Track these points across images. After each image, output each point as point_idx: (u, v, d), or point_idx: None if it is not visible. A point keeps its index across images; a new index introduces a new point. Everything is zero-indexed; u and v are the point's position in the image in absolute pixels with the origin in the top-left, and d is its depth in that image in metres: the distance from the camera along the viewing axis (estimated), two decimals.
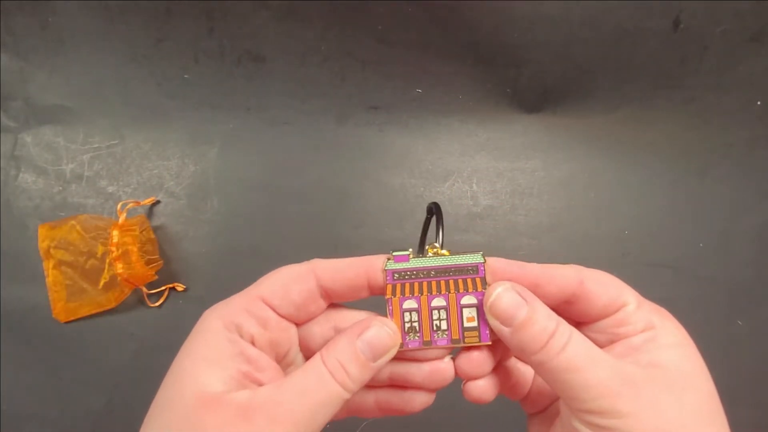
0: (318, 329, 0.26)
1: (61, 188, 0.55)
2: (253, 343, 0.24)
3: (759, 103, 0.54)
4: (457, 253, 0.26)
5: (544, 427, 0.27)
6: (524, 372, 0.28)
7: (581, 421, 0.23)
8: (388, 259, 0.25)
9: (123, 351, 0.51)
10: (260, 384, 0.24)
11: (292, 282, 0.25)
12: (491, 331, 0.25)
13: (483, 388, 0.26)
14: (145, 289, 0.52)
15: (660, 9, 0.50)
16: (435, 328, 0.25)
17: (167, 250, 0.54)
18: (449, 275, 0.25)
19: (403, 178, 0.55)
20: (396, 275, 0.25)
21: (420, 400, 0.26)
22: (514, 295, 0.24)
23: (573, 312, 0.26)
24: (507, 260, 0.26)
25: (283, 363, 0.26)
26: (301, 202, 0.55)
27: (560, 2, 0.50)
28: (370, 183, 0.55)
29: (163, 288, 0.52)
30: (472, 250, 0.26)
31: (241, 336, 0.24)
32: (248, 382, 0.23)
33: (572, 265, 0.26)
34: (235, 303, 0.25)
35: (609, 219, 0.54)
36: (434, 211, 0.28)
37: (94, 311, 0.51)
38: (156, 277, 0.51)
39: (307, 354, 0.27)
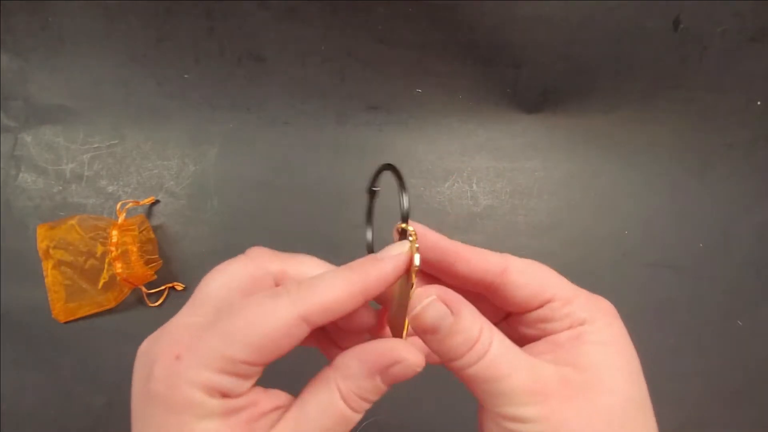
0: None
1: (61, 188, 0.55)
2: (240, 394, 0.21)
3: (759, 103, 0.54)
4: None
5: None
6: None
7: (494, 423, 0.22)
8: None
9: (123, 351, 0.51)
10: (264, 418, 0.22)
11: (281, 338, 0.21)
12: None
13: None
14: (144, 289, 0.51)
15: (660, 9, 0.50)
16: None
17: (167, 250, 0.54)
18: None
19: (403, 178, 0.55)
20: None
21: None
22: (440, 307, 0.22)
23: (497, 301, 0.25)
24: (435, 234, 0.24)
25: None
26: (301, 202, 0.55)
27: (560, 2, 0.50)
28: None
29: (162, 288, 0.52)
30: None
31: (229, 397, 0.21)
32: (255, 425, 0.21)
33: (503, 253, 0.25)
34: (206, 363, 0.20)
35: (609, 219, 0.54)
36: (393, 172, 0.25)
37: (93, 311, 0.51)
38: (155, 276, 0.51)
39: None
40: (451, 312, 0.22)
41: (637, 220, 0.54)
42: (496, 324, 0.25)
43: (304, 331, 0.21)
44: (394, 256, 0.23)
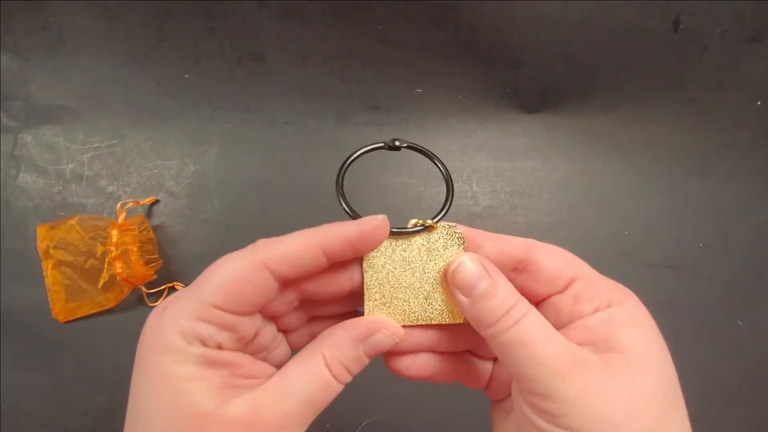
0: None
1: (61, 188, 0.55)
2: (220, 347, 0.22)
3: (759, 103, 0.54)
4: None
5: (505, 413, 0.27)
6: (481, 365, 0.28)
7: (528, 405, 0.22)
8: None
9: (123, 351, 0.51)
10: (246, 380, 0.23)
11: (243, 283, 0.22)
12: None
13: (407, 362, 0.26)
14: (144, 289, 0.52)
15: (660, 9, 0.50)
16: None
17: (167, 250, 0.54)
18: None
19: (403, 178, 0.55)
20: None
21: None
22: (478, 266, 0.23)
23: (524, 283, 0.25)
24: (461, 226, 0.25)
25: (258, 345, 0.24)
26: (301, 202, 0.55)
27: (560, 2, 0.50)
28: (370, 183, 0.55)
29: (162, 287, 0.52)
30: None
31: (207, 345, 0.22)
32: (235, 385, 0.22)
33: (524, 238, 0.26)
34: (184, 311, 0.22)
35: (609, 219, 0.54)
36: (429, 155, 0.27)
37: (93, 311, 0.51)
38: (155, 276, 0.51)
39: (270, 314, 0.25)
40: (489, 276, 0.23)
41: (637, 220, 0.54)
42: None
43: (266, 278, 0.22)
44: (361, 221, 0.24)
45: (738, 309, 0.52)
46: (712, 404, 0.50)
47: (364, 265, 0.25)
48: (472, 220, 0.55)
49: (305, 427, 0.22)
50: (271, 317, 0.25)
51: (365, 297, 0.25)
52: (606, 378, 0.21)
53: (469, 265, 0.23)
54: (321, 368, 0.22)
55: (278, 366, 0.25)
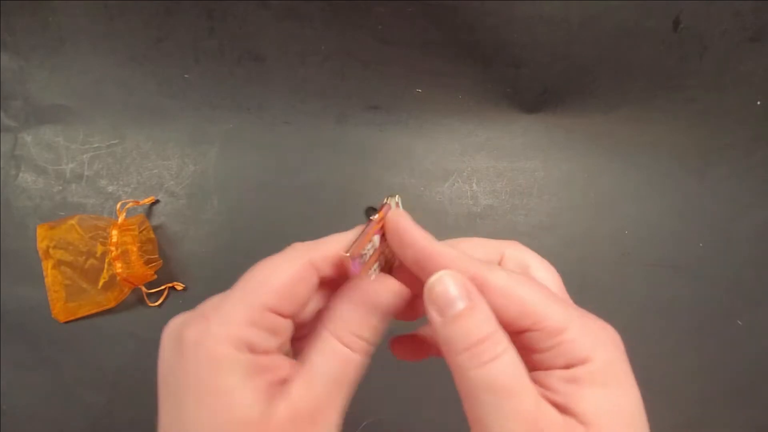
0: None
1: (61, 188, 0.55)
2: (267, 352, 0.22)
3: (759, 103, 0.54)
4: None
5: None
6: None
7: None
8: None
9: (123, 351, 0.51)
10: (281, 382, 0.22)
11: (299, 285, 0.22)
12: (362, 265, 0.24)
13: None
14: (144, 289, 0.51)
15: (660, 9, 0.50)
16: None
17: (167, 250, 0.54)
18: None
19: (403, 178, 0.55)
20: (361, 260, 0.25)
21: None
22: (459, 285, 0.21)
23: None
24: (413, 228, 0.23)
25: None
26: (301, 202, 0.55)
27: (560, 2, 0.50)
28: (370, 183, 0.55)
29: (162, 287, 0.52)
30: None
31: (255, 352, 0.21)
32: (274, 388, 0.21)
33: (490, 264, 0.23)
34: (235, 319, 0.21)
35: (609, 219, 0.54)
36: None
37: (93, 311, 0.51)
38: (155, 276, 0.51)
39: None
40: (469, 298, 0.21)
41: (637, 220, 0.54)
42: None
43: (314, 276, 0.23)
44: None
45: (738, 309, 0.52)
46: (712, 404, 0.50)
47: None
48: (472, 220, 0.55)
49: (342, 408, 0.22)
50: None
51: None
52: None
53: (448, 282, 0.21)
54: (337, 347, 0.22)
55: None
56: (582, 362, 0.20)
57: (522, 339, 0.21)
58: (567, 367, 0.21)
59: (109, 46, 0.54)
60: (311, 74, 0.55)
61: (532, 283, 0.22)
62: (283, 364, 0.22)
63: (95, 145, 0.56)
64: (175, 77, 0.55)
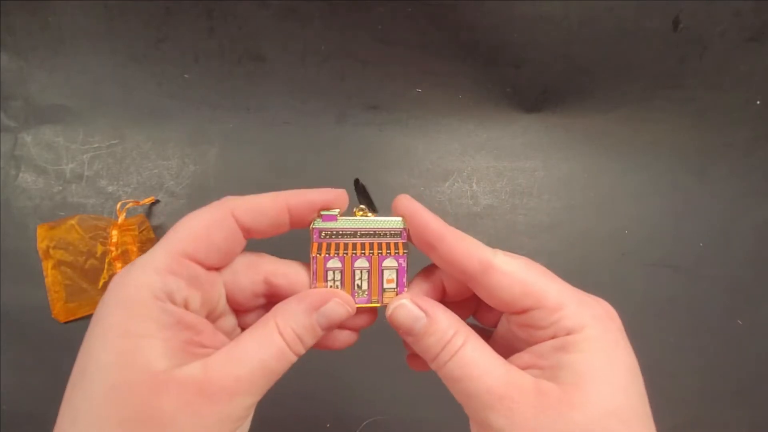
0: (247, 282, 0.25)
1: (60, 188, 0.55)
2: (186, 306, 0.22)
3: (759, 103, 0.54)
4: (382, 216, 0.26)
5: None
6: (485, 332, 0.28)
7: (473, 428, 0.23)
8: (317, 217, 0.26)
9: None
10: (203, 348, 0.22)
11: (213, 229, 0.23)
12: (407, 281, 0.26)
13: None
14: None
15: (660, 9, 0.50)
16: (356, 287, 0.26)
17: None
18: (374, 237, 0.26)
19: (403, 178, 0.55)
20: (323, 234, 0.26)
21: (343, 339, 0.27)
22: (412, 308, 0.24)
23: (482, 296, 0.25)
24: (427, 213, 0.25)
25: (212, 316, 0.25)
26: None
27: (560, 2, 0.50)
28: (370, 183, 0.55)
29: None
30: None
31: (174, 302, 0.22)
32: (192, 350, 0.22)
33: (495, 249, 0.24)
34: (156, 264, 0.22)
35: (609, 219, 0.54)
36: (356, 187, 0.29)
37: (93, 311, 0.51)
38: None
39: (234, 305, 0.26)
40: (426, 314, 0.24)
41: (637, 220, 0.54)
42: (498, 317, 0.26)
43: (232, 224, 0.23)
44: (324, 190, 0.25)
45: (738, 309, 0.52)
46: (712, 404, 0.50)
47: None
48: (472, 219, 0.55)
49: (258, 397, 0.22)
50: (236, 309, 0.26)
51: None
52: (535, 411, 0.20)
53: (405, 308, 0.24)
54: (275, 335, 0.23)
55: None
56: (572, 332, 0.22)
57: (525, 318, 0.23)
58: (557, 336, 0.22)
59: (109, 46, 0.54)
60: (311, 74, 0.55)
61: (533, 265, 0.24)
62: (206, 329, 0.23)
63: (95, 145, 0.56)
64: (175, 77, 0.55)
